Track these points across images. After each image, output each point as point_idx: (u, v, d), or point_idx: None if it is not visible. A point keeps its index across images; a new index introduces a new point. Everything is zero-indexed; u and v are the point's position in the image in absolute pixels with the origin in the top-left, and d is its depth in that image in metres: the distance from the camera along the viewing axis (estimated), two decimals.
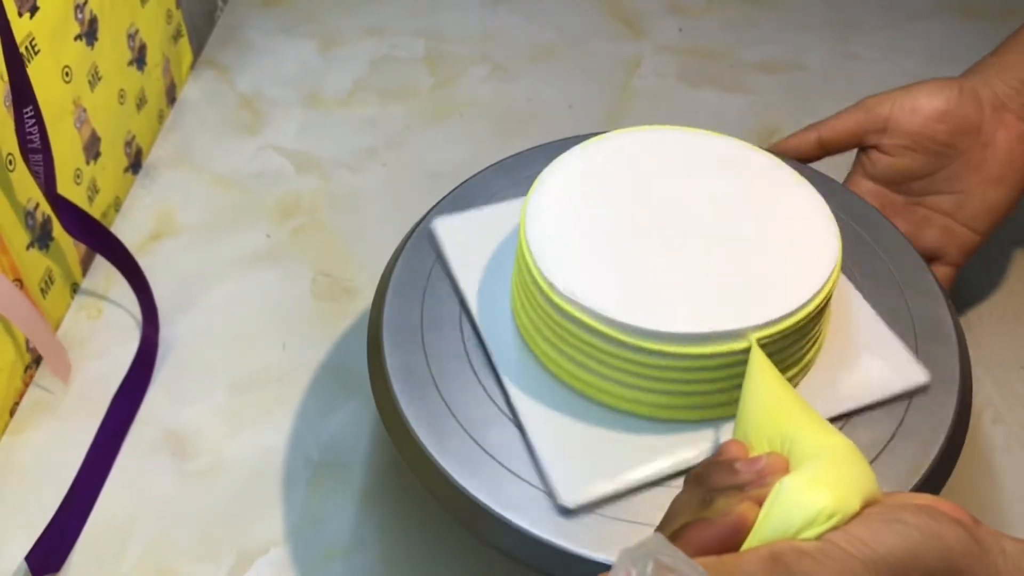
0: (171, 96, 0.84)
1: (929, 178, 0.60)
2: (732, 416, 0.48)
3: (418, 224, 0.59)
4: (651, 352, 0.45)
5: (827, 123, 0.62)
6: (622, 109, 0.84)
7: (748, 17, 0.95)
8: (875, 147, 0.60)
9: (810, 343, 0.48)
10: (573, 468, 0.46)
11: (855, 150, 0.63)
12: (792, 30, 0.93)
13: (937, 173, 0.59)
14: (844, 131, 0.61)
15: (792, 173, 0.53)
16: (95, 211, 0.70)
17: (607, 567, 0.43)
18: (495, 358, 0.50)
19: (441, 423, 0.49)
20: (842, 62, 0.89)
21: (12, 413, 0.61)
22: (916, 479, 0.46)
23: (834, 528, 0.31)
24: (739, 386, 0.46)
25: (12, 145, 0.57)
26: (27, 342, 0.61)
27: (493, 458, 0.47)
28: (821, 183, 0.58)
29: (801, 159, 0.63)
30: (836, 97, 0.85)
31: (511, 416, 0.49)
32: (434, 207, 0.60)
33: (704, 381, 0.46)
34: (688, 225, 0.50)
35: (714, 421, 0.48)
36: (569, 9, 0.95)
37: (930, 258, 0.61)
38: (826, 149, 0.62)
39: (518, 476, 0.47)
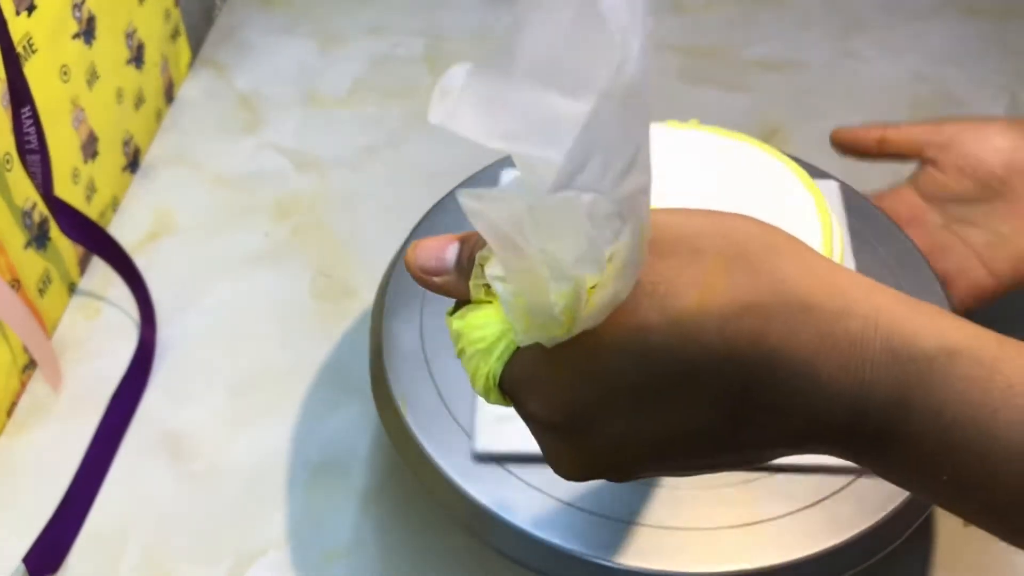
0: (169, 95, 0.83)
1: (970, 206, 0.58)
2: None
3: (419, 223, 0.58)
4: None
5: (895, 125, 0.61)
6: None
7: (749, 15, 0.94)
8: (932, 162, 0.59)
9: None
10: (497, 428, 0.47)
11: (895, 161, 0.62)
12: (793, 29, 0.93)
13: (980, 204, 0.58)
14: (908, 136, 0.60)
15: (791, 173, 0.53)
16: (93, 210, 0.70)
17: (605, 568, 0.43)
18: None
19: (441, 424, 0.49)
20: (843, 61, 0.89)
21: (10, 414, 0.60)
22: None
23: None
24: None
25: (10, 145, 0.57)
26: None
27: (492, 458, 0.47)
28: (827, 188, 0.58)
29: (857, 152, 0.63)
30: (837, 96, 0.85)
31: None
32: (434, 206, 0.59)
33: None
34: None
35: None
36: None
37: None
38: (884, 149, 0.61)
39: (518, 477, 0.46)
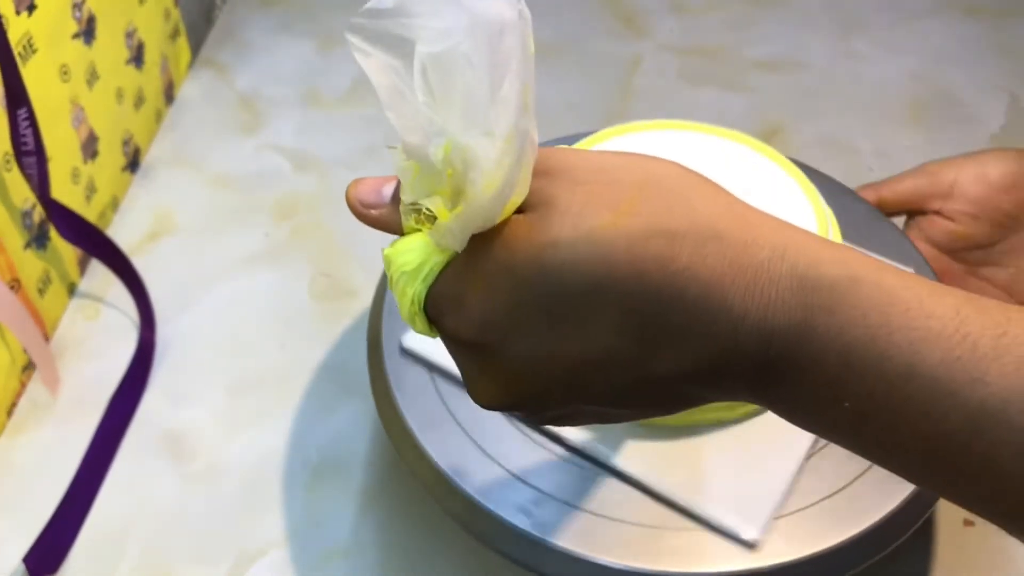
0: (169, 95, 0.83)
1: (988, 249, 0.58)
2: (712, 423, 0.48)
3: None
4: None
5: (888, 184, 0.60)
6: (622, 108, 0.83)
7: (749, 15, 0.94)
8: (937, 212, 0.59)
9: None
10: (732, 505, 0.46)
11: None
12: (793, 29, 0.93)
13: (996, 245, 0.58)
14: (906, 193, 0.59)
15: (787, 175, 0.53)
16: (92, 210, 0.70)
17: (605, 568, 0.43)
18: None
19: (440, 424, 0.49)
20: (843, 61, 0.89)
21: (10, 414, 0.60)
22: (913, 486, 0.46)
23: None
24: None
25: (9, 145, 0.57)
26: None
27: (492, 459, 0.47)
28: (833, 192, 0.58)
29: None
30: (837, 96, 0.85)
31: (529, 432, 0.49)
32: None
33: None
34: None
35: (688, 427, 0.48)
36: (569, 8, 0.94)
37: None
38: (885, 210, 0.60)
39: (517, 477, 0.46)
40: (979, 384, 0.25)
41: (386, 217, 0.33)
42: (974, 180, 0.57)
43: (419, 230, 0.32)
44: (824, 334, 0.27)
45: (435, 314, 0.32)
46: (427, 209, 0.31)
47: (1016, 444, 0.25)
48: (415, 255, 0.32)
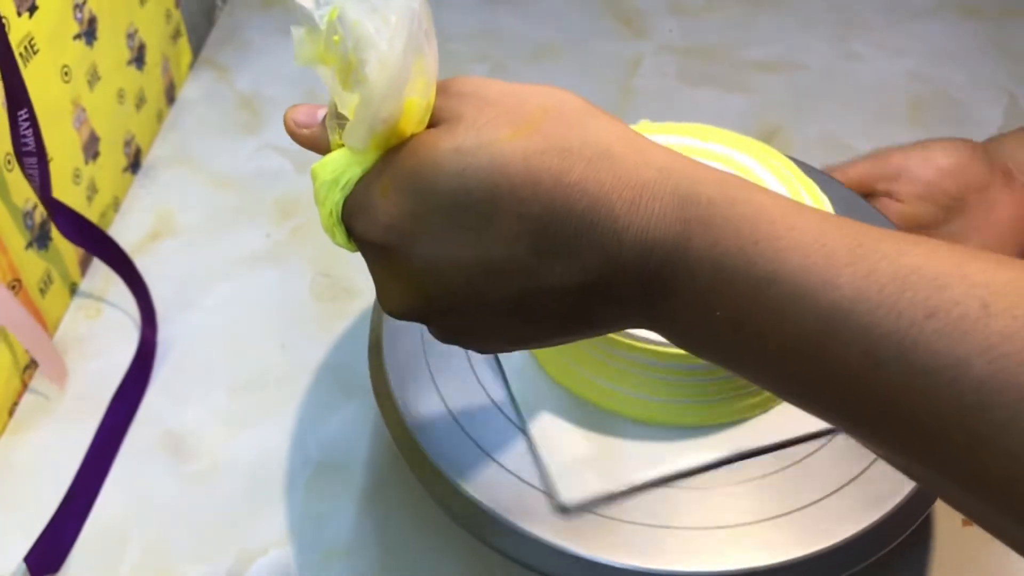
0: (170, 96, 0.84)
1: (934, 231, 0.60)
2: (729, 423, 0.48)
3: None
4: (647, 354, 0.45)
5: (840, 168, 0.63)
6: (622, 109, 0.84)
7: (748, 16, 0.95)
8: (886, 194, 0.61)
9: None
10: (572, 469, 0.46)
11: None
12: (792, 29, 0.93)
13: (942, 227, 0.60)
14: (857, 176, 0.62)
15: (790, 178, 0.53)
16: (94, 211, 0.70)
17: (605, 568, 0.44)
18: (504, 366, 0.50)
19: (441, 423, 0.49)
20: (842, 62, 0.89)
21: (11, 413, 0.60)
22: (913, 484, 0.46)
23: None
24: (735, 396, 0.46)
25: (10, 145, 0.57)
26: None
27: (492, 459, 0.47)
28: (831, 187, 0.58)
29: None
30: (836, 97, 0.85)
31: (515, 420, 0.49)
32: None
33: (698, 385, 0.47)
34: None
35: (712, 427, 0.48)
36: (569, 8, 0.95)
37: None
38: None
39: (517, 477, 0.47)
40: (831, 287, 0.27)
41: (316, 135, 0.36)
42: (922, 163, 0.60)
43: (343, 145, 0.34)
44: (699, 246, 0.29)
45: (349, 221, 0.34)
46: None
47: (863, 343, 0.26)
48: (335, 167, 0.34)
